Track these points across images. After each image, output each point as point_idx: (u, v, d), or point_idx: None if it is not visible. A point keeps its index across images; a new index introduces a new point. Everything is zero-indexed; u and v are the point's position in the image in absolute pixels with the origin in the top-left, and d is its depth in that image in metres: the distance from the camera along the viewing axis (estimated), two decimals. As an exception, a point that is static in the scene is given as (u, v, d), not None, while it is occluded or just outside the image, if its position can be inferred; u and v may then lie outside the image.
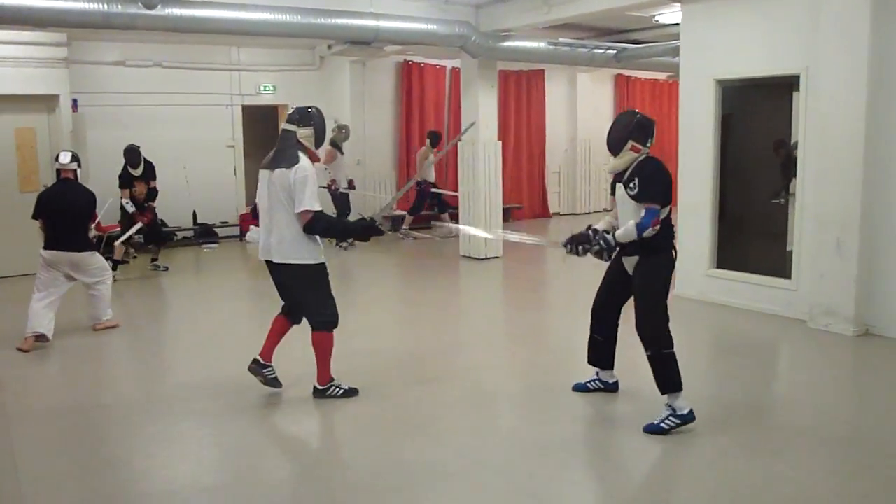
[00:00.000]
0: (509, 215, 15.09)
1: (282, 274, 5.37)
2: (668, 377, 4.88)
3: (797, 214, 7.79)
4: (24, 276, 9.39)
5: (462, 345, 7.36)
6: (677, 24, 9.04)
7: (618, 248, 4.99)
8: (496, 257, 11.64)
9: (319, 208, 5.19)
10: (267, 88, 14.24)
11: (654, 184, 4.88)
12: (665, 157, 5.80)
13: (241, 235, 13.79)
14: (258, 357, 5.63)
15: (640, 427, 4.91)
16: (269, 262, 5.38)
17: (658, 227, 4.82)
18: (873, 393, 5.92)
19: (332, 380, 5.58)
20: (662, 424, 4.87)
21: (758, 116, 8.38)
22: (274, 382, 5.66)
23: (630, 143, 4.95)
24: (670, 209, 4.96)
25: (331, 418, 5.41)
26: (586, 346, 5.55)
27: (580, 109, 17.43)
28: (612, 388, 5.61)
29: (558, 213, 17.49)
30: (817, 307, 7.36)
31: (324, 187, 12.38)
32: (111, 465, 4.63)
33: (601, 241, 4.96)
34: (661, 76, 17.72)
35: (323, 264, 5.37)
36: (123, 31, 8.86)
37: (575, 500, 4.25)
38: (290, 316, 5.64)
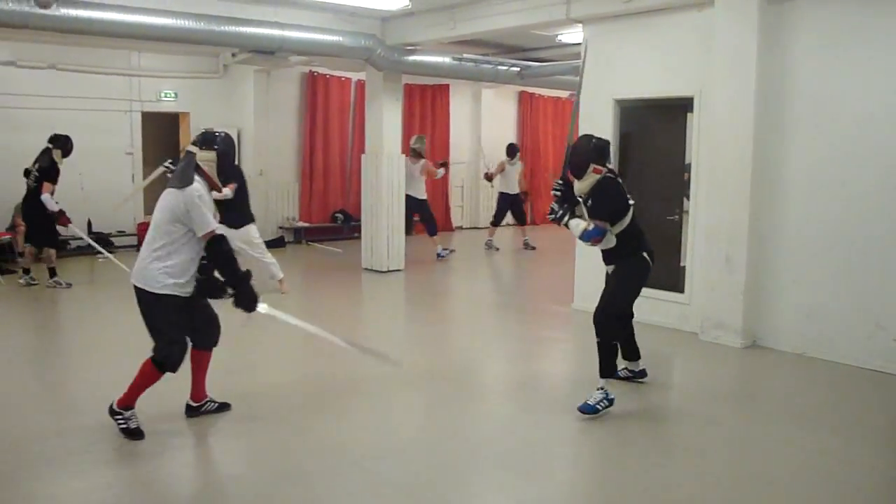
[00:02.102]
0: (412, 229, 15.13)
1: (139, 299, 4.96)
2: (608, 364, 5.58)
3: (690, 230, 8.09)
4: None
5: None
6: (579, 43, 9.27)
7: (562, 222, 5.66)
8: (398, 270, 11.68)
9: (220, 232, 4.94)
10: (168, 95, 13.93)
11: (602, 205, 5.49)
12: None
13: (139, 245, 13.37)
14: (189, 401, 5.37)
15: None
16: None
17: (599, 243, 5.58)
18: (755, 400, 6.19)
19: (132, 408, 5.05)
20: (598, 406, 5.46)
21: (655, 136, 8.65)
22: (222, 407, 5.46)
23: (591, 167, 5.47)
24: (631, 220, 5.60)
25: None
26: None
27: (484, 124, 17.65)
28: (640, 375, 6.33)
29: (461, 227, 17.64)
30: (708, 320, 7.64)
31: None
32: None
33: (560, 210, 5.69)
34: (564, 94, 18.10)
35: (172, 296, 4.88)
36: (15, 30, 8.56)
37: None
38: (197, 344, 5.25)
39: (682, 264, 8.26)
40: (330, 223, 15.12)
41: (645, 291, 8.31)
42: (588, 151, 5.51)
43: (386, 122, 11.54)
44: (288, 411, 5.63)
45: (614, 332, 5.66)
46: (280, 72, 14.14)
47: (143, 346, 5.00)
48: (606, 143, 5.63)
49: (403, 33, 10.88)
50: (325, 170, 15.20)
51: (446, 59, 12.08)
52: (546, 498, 4.36)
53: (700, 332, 7.69)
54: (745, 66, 7.23)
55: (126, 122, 13.56)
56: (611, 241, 5.61)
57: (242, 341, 6.91)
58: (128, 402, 4.99)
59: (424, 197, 13.00)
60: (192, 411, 5.38)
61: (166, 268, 4.84)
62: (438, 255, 13.08)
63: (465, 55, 12.28)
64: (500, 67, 12.92)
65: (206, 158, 5.02)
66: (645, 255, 5.68)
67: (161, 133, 14.62)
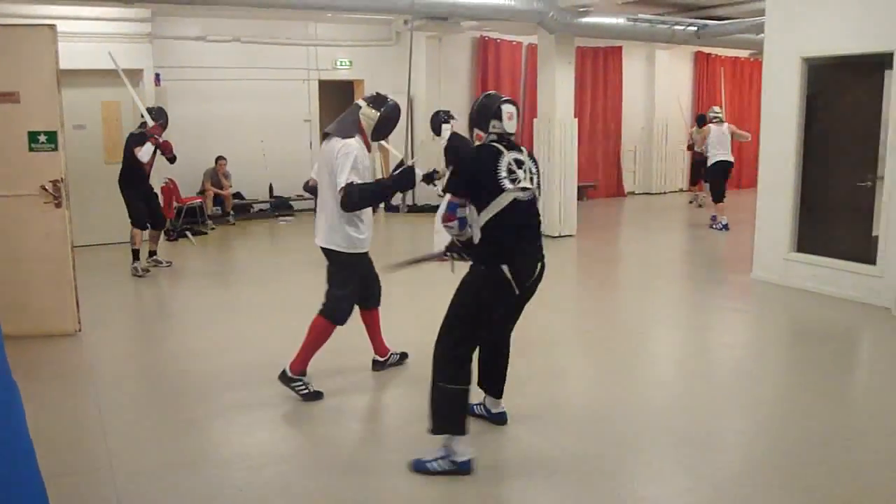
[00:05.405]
0: (583, 194, 14.95)
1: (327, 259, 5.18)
2: (440, 416, 4.00)
3: (885, 198, 7.52)
4: (107, 245, 9.69)
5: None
6: (762, -1, 8.77)
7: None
8: (570, 235, 11.57)
9: (353, 180, 4.74)
10: (343, 63, 14.33)
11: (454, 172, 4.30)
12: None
13: (317, 209, 13.91)
14: (376, 357, 5.68)
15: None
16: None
17: (454, 226, 4.10)
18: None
19: (304, 374, 5.12)
20: (432, 465, 4.03)
21: (846, 96, 8.08)
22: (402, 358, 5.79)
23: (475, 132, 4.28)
24: (500, 214, 3.98)
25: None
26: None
27: (658, 87, 17.11)
28: (498, 419, 4.66)
29: (633, 193, 17.25)
30: (903, 294, 7.12)
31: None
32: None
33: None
34: (744, 54, 17.26)
35: (355, 254, 5.09)
36: (203, 6, 9.00)
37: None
38: (366, 302, 5.47)
39: (874, 234, 7.72)
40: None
41: (830, 262, 7.95)
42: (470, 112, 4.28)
43: (558, 87, 11.39)
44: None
45: (452, 372, 3.97)
46: (451, 37, 14.18)
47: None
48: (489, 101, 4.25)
49: (576, -6, 10.64)
50: (496, 135, 15.18)
51: (620, 20, 11.76)
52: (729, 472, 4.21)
53: (894, 307, 7.18)
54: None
55: (304, 91, 14.06)
56: (475, 235, 4.12)
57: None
58: (302, 366, 5.09)
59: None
60: (378, 366, 5.68)
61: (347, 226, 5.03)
62: (716, 225, 12.30)
63: (639, 15, 11.91)
64: (676, 27, 12.45)
65: (368, 115, 5.03)
66: (505, 269, 3.93)
67: (336, 100, 15.03)
